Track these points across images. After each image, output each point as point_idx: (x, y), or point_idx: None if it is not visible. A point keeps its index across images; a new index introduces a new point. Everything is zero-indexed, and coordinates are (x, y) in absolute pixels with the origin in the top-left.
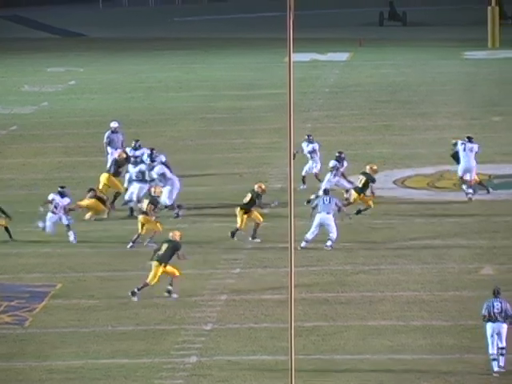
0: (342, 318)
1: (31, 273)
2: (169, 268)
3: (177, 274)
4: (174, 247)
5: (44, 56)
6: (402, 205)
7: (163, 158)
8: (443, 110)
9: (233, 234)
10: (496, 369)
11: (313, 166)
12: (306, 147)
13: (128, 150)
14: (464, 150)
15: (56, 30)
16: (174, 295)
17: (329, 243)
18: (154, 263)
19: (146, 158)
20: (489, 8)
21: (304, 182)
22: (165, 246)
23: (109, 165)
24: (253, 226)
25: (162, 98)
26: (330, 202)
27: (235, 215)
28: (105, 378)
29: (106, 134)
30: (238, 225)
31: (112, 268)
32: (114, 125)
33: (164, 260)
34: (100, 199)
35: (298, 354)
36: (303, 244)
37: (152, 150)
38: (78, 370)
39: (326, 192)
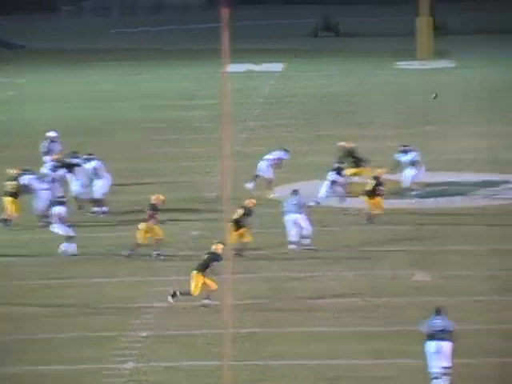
0: (278, 324)
1: None
2: (207, 280)
3: (214, 287)
4: (214, 259)
5: None
6: (337, 212)
7: (95, 164)
8: (377, 119)
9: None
10: None
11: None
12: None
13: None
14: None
15: None
16: (211, 303)
17: (306, 241)
18: (193, 272)
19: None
20: (418, 19)
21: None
22: (205, 257)
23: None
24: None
25: (102, 108)
26: (298, 202)
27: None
28: None
29: (44, 144)
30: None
31: (51, 276)
32: (52, 134)
33: (202, 268)
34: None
35: (234, 360)
36: (293, 246)
37: (90, 154)
38: (17, 378)
39: (294, 193)
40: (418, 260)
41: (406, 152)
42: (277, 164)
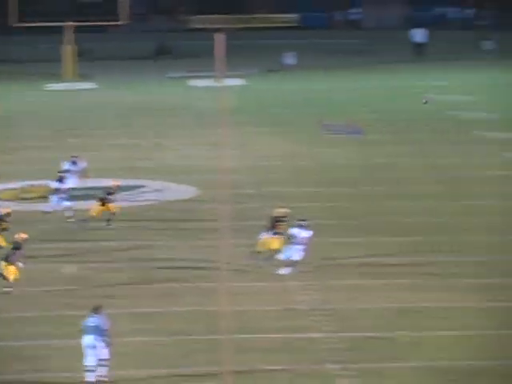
0: None
1: None
2: (10, 268)
3: (11, 277)
4: (15, 247)
5: None
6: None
7: None
8: (30, 133)
9: None
10: (91, 379)
11: None
12: None
13: None
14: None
15: None
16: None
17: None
18: (1, 263)
19: None
20: (62, 46)
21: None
22: (10, 246)
23: None
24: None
25: None
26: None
27: None
28: None
29: None
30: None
31: None
32: None
33: (6, 257)
34: None
35: None
36: None
37: None
38: None
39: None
40: (66, 253)
41: (73, 162)
42: None
